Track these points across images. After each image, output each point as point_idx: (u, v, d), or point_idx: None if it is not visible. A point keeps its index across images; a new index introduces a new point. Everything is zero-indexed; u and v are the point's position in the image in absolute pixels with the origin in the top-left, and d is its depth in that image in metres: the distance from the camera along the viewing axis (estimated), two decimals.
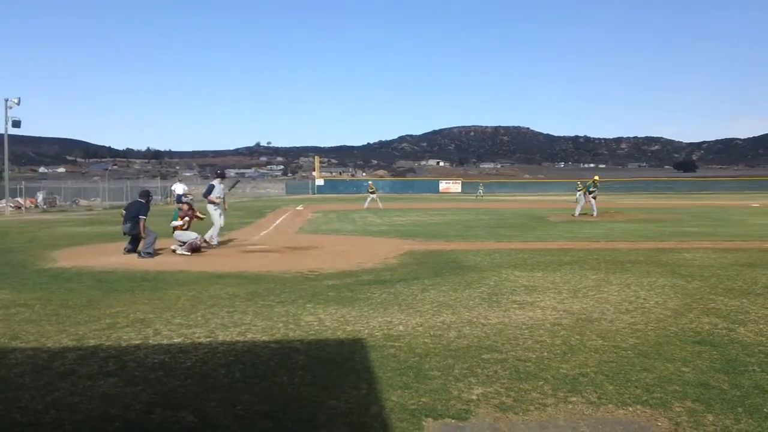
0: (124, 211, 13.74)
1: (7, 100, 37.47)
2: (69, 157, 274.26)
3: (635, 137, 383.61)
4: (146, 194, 14.32)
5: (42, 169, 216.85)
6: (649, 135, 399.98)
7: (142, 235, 12.99)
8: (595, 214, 26.00)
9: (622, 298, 7.77)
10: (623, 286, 8.58)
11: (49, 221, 27.24)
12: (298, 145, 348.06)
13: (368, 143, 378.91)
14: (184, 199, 14.80)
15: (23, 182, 43.59)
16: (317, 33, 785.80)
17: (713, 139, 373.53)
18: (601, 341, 5.66)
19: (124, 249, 13.17)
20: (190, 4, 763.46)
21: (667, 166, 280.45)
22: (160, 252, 13.09)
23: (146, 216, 13.34)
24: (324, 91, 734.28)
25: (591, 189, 26.78)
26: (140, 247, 12.94)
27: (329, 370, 4.90)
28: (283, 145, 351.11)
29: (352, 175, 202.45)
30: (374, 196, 38.28)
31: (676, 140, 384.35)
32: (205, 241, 14.16)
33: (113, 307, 7.43)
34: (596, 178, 28.36)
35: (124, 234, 13.49)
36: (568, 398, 4.23)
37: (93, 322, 6.63)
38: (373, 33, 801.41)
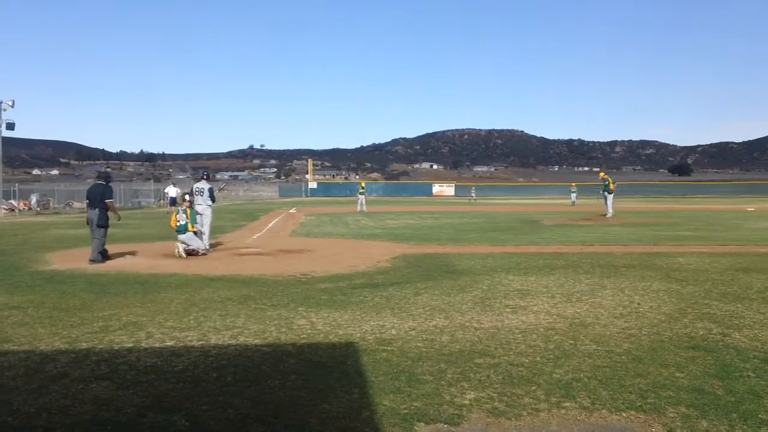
0: (87, 200, 12.99)
1: (1, 103, 37.34)
2: (62, 160, 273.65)
3: (630, 141, 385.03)
4: (105, 175, 13.44)
5: (35, 172, 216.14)
6: (643, 138, 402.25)
7: (116, 216, 12.55)
8: (608, 214, 26.57)
9: (616, 302, 7.76)
10: (617, 291, 8.57)
11: (43, 223, 27.15)
12: (291, 148, 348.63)
13: (362, 146, 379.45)
14: (187, 198, 14.42)
15: (17, 184, 43.58)
16: (310, 36, 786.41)
17: (708, 143, 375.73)
18: (594, 346, 5.66)
19: (90, 260, 12.19)
20: (184, 8, 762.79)
21: (661, 170, 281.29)
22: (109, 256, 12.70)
23: (113, 198, 12.88)
24: (317, 94, 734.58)
25: (605, 184, 27.18)
26: (93, 249, 12.37)
27: (321, 374, 4.89)
28: (277, 148, 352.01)
29: (346, 178, 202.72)
30: (363, 197, 38.85)
31: (671, 144, 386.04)
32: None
33: (106, 310, 7.40)
34: (601, 174, 28.54)
35: (88, 223, 12.75)
36: (561, 403, 4.22)
37: (85, 325, 6.60)
38: (367, 36, 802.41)
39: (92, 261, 12.11)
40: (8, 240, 18.17)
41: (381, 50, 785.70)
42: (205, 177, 15.81)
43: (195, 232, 13.60)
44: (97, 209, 12.58)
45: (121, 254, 13.31)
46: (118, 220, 12.72)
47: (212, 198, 15.08)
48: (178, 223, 13.47)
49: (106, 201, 12.64)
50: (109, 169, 15.99)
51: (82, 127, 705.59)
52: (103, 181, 13.04)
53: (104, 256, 12.45)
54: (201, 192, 15.11)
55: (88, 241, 15.99)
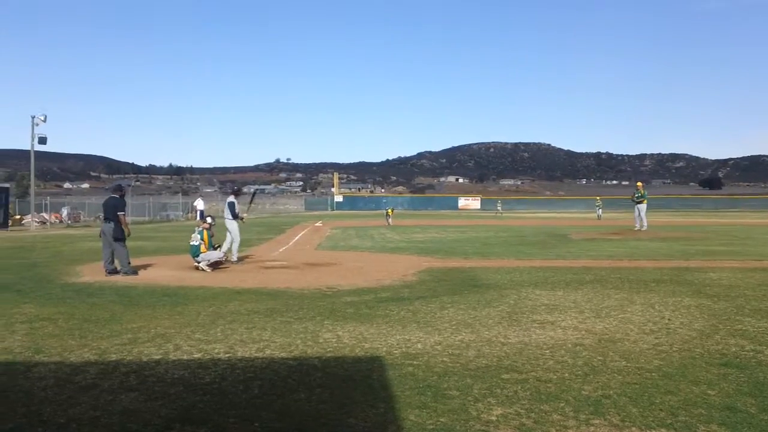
0: (103, 213, 13.07)
1: (33, 117, 38.13)
2: (93, 173, 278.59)
3: (659, 154, 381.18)
4: (119, 188, 13.37)
5: (67, 185, 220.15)
6: (673, 151, 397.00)
7: (127, 231, 12.61)
8: (641, 227, 26.47)
9: (646, 318, 7.65)
10: (647, 306, 8.45)
11: (73, 236, 27.60)
12: (317, 161, 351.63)
13: (387, 159, 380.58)
14: (209, 220, 14.41)
15: (48, 198, 44.43)
16: (337, 49, 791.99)
17: (740, 156, 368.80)
18: (624, 362, 5.57)
19: (107, 271, 12.37)
20: (211, 23, 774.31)
21: (692, 183, 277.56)
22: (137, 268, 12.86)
23: (125, 212, 12.90)
24: (343, 107, 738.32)
25: (637, 195, 27.01)
26: (117, 264, 12.46)
27: (347, 388, 4.88)
28: (303, 161, 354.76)
29: (371, 192, 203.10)
30: (390, 217, 39.45)
31: (702, 157, 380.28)
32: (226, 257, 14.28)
33: (135, 322, 7.48)
34: (639, 184, 28.25)
35: (100, 236, 12.85)
36: (590, 420, 4.15)
37: (115, 337, 6.68)
38: (392, 49, 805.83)
39: (111, 273, 12.23)
40: (40, 252, 18.49)
41: (406, 63, 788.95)
42: (231, 191, 15.97)
43: (216, 247, 13.72)
44: (111, 222, 12.57)
45: (149, 267, 13.46)
46: (128, 235, 12.66)
47: (231, 213, 15.31)
48: (191, 244, 13.49)
49: (118, 214, 12.62)
50: (123, 183, 15.93)
51: (112, 142, 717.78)
52: (117, 194, 13.00)
53: (110, 271, 12.38)
54: (224, 207, 15.50)
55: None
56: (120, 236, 12.53)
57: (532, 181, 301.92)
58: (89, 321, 7.58)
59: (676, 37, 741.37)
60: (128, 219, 12.89)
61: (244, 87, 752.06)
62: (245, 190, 20.28)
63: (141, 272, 12.55)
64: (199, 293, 9.93)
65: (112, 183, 14.61)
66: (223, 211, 15.83)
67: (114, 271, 12.33)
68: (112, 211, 12.65)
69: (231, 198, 15.60)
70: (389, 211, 41.21)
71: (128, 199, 47.81)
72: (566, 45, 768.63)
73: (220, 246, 14.10)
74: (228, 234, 15.18)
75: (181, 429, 4.03)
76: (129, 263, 12.44)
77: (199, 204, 40.84)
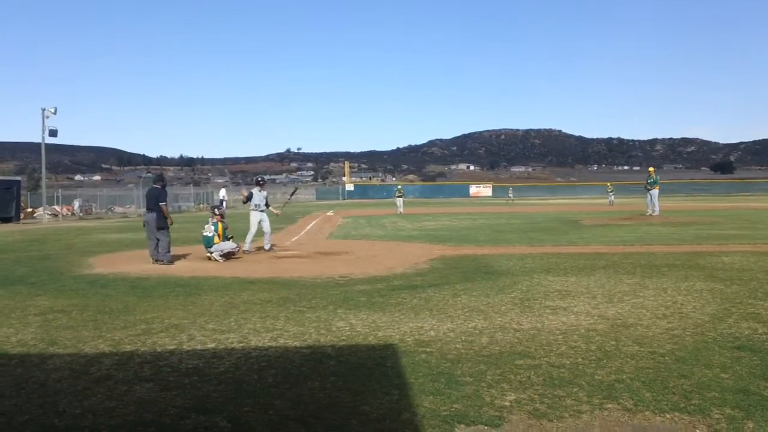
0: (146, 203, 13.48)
1: (44, 110, 38.34)
2: (104, 165, 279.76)
3: (670, 138, 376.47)
4: (161, 178, 13.88)
5: (78, 177, 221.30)
6: (684, 136, 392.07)
7: (169, 221, 12.94)
8: (653, 212, 26.61)
9: (658, 302, 7.63)
10: (660, 291, 8.42)
11: (86, 228, 27.79)
12: (328, 151, 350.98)
13: (398, 148, 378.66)
14: (217, 211, 14.48)
15: (60, 190, 44.68)
16: (345, 37, 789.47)
17: (751, 140, 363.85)
18: (637, 347, 5.56)
19: (154, 259, 12.76)
20: (221, 14, 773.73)
21: (703, 168, 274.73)
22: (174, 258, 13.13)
23: (166, 201, 13.21)
24: (353, 96, 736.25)
25: (649, 181, 27.08)
26: (152, 251, 12.80)
27: (361, 375, 4.90)
28: (313, 151, 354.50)
29: (382, 180, 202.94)
30: (401, 200, 39.24)
31: (713, 141, 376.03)
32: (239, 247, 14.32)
33: (148, 313, 7.54)
34: (651, 169, 28.22)
35: (144, 225, 13.13)
36: (604, 405, 4.15)
37: (129, 328, 6.73)
38: (402, 36, 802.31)
39: (157, 260, 12.55)
40: (52, 245, 18.63)
41: (416, 51, 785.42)
42: (255, 182, 16.02)
43: (230, 238, 13.79)
44: (153, 212, 12.93)
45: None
46: (171, 224, 12.99)
47: (245, 200, 15.86)
48: (204, 235, 13.52)
49: (160, 204, 12.96)
50: (148, 174, 16.06)
51: (122, 133, 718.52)
52: (158, 184, 13.42)
53: (157, 258, 12.76)
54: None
55: (130, 245, 16.38)
56: (163, 225, 12.88)
57: (543, 168, 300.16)
58: (103, 312, 7.64)
59: (686, 22, 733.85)
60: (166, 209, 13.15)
61: (254, 77, 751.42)
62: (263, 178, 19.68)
63: (156, 264, 12.61)
64: (212, 283, 9.98)
65: (154, 173, 15.01)
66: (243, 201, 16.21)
67: (160, 259, 12.67)
68: (155, 201, 13.01)
69: (254, 189, 15.68)
70: (399, 190, 41.15)
71: (140, 191, 48.24)
72: (576, 31, 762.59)
73: (233, 237, 14.12)
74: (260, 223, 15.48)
75: (197, 418, 4.06)
76: (168, 251, 12.80)
77: (222, 194, 40.65)
